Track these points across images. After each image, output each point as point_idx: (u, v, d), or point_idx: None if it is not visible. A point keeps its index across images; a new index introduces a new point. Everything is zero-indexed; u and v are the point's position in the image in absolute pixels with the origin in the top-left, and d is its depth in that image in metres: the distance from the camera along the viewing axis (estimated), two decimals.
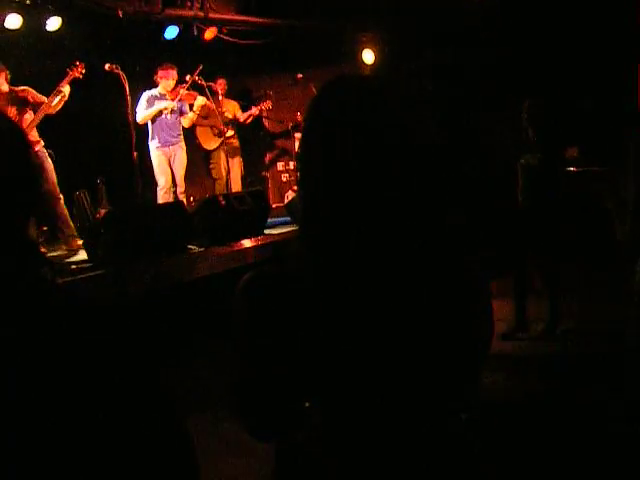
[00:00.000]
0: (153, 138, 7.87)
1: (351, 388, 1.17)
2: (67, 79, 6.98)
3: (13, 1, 7.28)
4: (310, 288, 1.19)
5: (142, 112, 7.79)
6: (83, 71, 7.00)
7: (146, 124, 7.85)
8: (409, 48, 9.62)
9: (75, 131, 8.05)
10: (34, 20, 7.63)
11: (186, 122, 8.13)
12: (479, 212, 7.01)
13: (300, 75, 9.23)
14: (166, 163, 7.89)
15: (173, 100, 7.89)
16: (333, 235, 1.20)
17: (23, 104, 6.88)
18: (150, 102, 7.82)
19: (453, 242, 1.24)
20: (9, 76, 6.90)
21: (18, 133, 1.16)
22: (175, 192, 7.90)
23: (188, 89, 8.04)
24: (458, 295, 1.22)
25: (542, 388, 4.79)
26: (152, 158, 7.88)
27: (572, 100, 8.28)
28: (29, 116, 6.87)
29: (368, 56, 10.29)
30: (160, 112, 7.81)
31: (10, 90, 6.89)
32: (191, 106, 8.15)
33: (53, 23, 7.78)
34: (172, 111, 7.88)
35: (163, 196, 7.79)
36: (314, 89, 9.26)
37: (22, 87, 6.94)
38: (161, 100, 7.86)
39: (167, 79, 7.85)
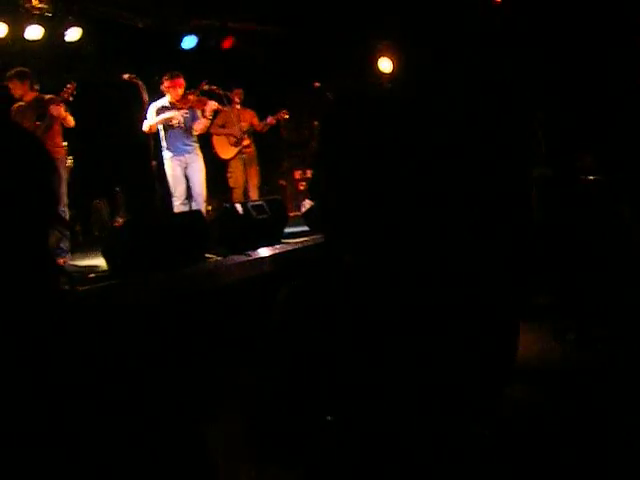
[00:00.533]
0: (166, 148, 7.76)
1: (376, 404, 1.17)
2: (58, 100, 6.91)
3: (34, 12, 7.37)
4: (345, 303, 1.18)
5: (148, 120, 7.68)
6: (74, 92, 6.92)
7: (159, 134, 7.78)
8: (426, 58, 9.60)
9: (94, 140, 8.12)
10: (54, 31, 7.73)
11: (199, 128, 8.03)
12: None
13: (317, 83, 9.23)
14: (181, 173, 7.77)
15: (184, 109, 7.82)
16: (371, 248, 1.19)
17: (45, 114, 6.92)
18: (159, 113, 7.72)
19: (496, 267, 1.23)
20: (36, 85, 6.97)
21: (39, 147, 1.16)
22: (195, 201, 7.81)
23: (198, 96, 7.95)
24: (491, 327, 1.21)
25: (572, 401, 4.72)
26: (166, 168, 7.76)
27: (584, 107, 8.23)
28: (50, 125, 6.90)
29: (385, 65, 10.30)
30: (170, 121, 7.73)
31: (36, 97, 6.96)
32: (202, 112, 8.09)
33: (73, 34, 7.87)
34: (184, 119, 7.79)
35: (178, 206, 7.72)
36: (331, 97, 9.28)
37: (49, 96, 6.99)
38: (170, 110, 7.77)
39: (174, 88, 7.73)
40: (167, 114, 7.71)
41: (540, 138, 5.72)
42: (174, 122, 7.71)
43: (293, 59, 9.41)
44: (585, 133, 7.51)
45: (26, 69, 7.01)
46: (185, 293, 5.60)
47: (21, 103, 6.94)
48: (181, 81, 7.76)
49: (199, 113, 7.92)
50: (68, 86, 6.86)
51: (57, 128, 6.93)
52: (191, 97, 7.83)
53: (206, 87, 7.89)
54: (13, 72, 6.95)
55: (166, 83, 7.74)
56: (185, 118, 7.77)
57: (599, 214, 7.45)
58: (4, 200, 1.07)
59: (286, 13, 8.65)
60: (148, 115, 7.66)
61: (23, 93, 6.94)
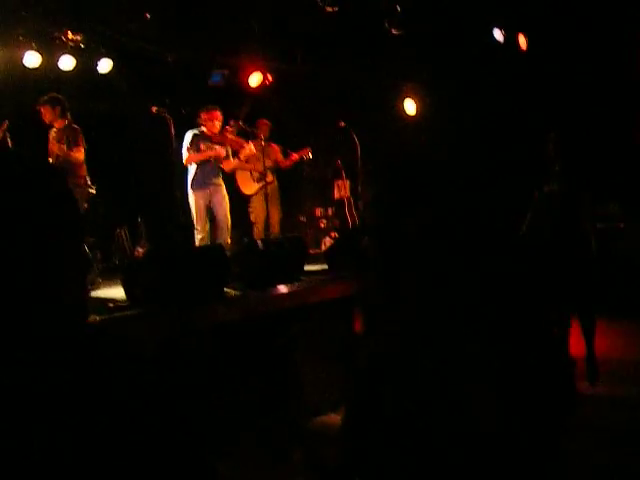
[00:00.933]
0: (192, 180, 7.83)
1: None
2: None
3: (68, 44, 7.52)
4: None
5: (187, 152, 7.76)
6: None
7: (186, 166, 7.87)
8: (449, 99, 9.68)
9: (119, 169, 8.19)
10: (86, 62, 7.88)
11: (227, 167, 8.12)
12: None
13: (343, 123, 9.30)
14: (204, 206, 7.82)
15: (220, 144, 7.88)
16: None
17: (72, 142, 7.03)
18: (195, 142, 7.80)
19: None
20: (68, 111, 7.08)
21: (58, 178, 1.17)
22: (220, 231, 7.82)
23: (237, 135, 8.07)
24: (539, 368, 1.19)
25: None
26: (189, 201, 7.84)
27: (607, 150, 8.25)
28: (78, 153, 7.00)
29: (410, 106, 10.37)
30: (212, 158, 7.79)
31: (66, 125, 7.07)
32: (234, 151, 8.18)
33: (104, 65, 8.02)
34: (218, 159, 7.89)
35: (200, 239, 7.76)
36: (355, 137, 9.35)
37: (76, 126, 7.12)
38: (206, 141, 7.85)
39: (212, 120, 7.83)
40: (211, 152, 7.80)
41: (552, 157, 5.76)
42: (219, 159, 7.82)
43: (319, 97, 9.50)
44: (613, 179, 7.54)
45: (59, 96, 7.15)
46: (202, 327, 5.59)
47: (53, 129, 7.07)
48: (218, 114, 7.87)
49: (230, 151, 8.03)
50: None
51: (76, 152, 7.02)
52: (230, 136, 7.92)
53: (232, 122, 7.99)
54: (46, 97, 7.09)
55: (203, 116, 7.85)
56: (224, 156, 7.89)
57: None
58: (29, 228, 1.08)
59: (313, 52, 8.76)
60: (184, 146, 7.76)
61: (53, 119, 7.06)
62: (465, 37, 8.29)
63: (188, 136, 7.79)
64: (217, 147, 7.85)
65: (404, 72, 9.60)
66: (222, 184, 8.05)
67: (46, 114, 7.07)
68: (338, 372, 5.55)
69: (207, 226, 7.84)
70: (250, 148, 8.20)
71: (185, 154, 7.75)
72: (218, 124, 7.89)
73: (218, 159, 7.86)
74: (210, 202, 7.87)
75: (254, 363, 5.51)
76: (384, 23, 7.73)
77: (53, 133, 7.10)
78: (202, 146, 7.82)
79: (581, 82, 8.58)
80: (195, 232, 7.81)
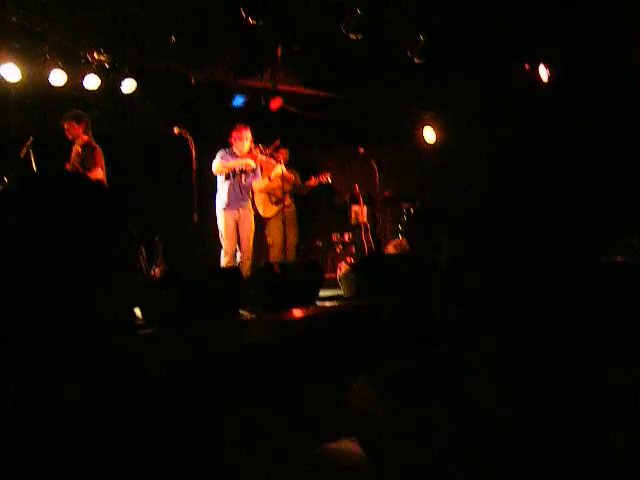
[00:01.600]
0: (221, 200, 7.85)
1: None
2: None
3: (94, 64, 7.63)
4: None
5: (218, 162, 7.80)
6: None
7: (216, 186, 7.89)
8: (469, 128, 9.71)
9: (139, 189, 8.24)
10: (110, 81, 7.98)
11: (257, 187, 8.16)
12: None
13: (362, 149, 9.34)
14: (233, 227, 7.83)
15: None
16: None
17: (90, 160, 7.12)
18: (225, 157, 7.85)
19: None
20: (90, 129, 7.17)
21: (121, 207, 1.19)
22: (242, 256, 7.84)
23: (269, 155, 8.11)
24: None
25: None
26: (218, 221, 7.84)
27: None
28: (96, 173, 7.08)
29: (429, 134, 10.40)
30: (235, 170, 7.81)
31: (88, 142, 7.15)
32: (262, 170, 8.22)
33: (128, 86, 8.11)
34: (245, 173, 7.90)
35: (228, 261, 7.76)
36: (374, 163, 9.38)
37: (96, 145, 7.21)
38: (243, 159, 7.90)
39: (241, 140, 7.87)
40: (242, 160, 7.84)
41: None
42: (247, 169, 7.84)
43: (339, 123, 9.55)
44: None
45: (83, 113, 7.24)
46: (216, 348, 5.59)
47: (75, 146, 7.16)
48: (249, 133, 7.92)
49: (259, 171, 8.08)
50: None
51: (95, 174, 7.10)
52: (260, 156, 7.96)
53: (252, 145, 8.04)
54: (71, 113, 7.19)
55: (234, 134, 7.90)
56: (252, 172, 7.90)
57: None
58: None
59: (335, 78, 8.81)
60: (216, 159, 7.82)
61: (76, 135, 7.15)
62: (487, 68, 8.32)
63: (219, 153, 7.88)
64: (247, 160, 7.89)
65: (424, 100, 9.65)
66: (251, 208, 8.10)
67: (70, 130, 7.17)
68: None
69: (235, 247, 7.85)
70: (281, 168, 8.24)
71: (215, 166, 7.80)
72: (247, 144, 7.92)
73: (247, 170, 7.88)
74: (239, 223, 7.90)
75: (267, 386, 5.48)
76: (406, 51, 7.77)
77: (75, 149, 7.19)
78: (232, 164, 7.87)
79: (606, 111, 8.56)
80: (222, 253, 7.83)
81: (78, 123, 7.17)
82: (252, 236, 8.02)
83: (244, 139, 7.88)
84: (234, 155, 7.92)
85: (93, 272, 1.09)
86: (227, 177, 7.86)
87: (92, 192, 1.17)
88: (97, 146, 7.19)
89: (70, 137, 7.19)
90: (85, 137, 7.19)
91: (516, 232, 1.19)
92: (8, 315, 1.04)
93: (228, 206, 7.85)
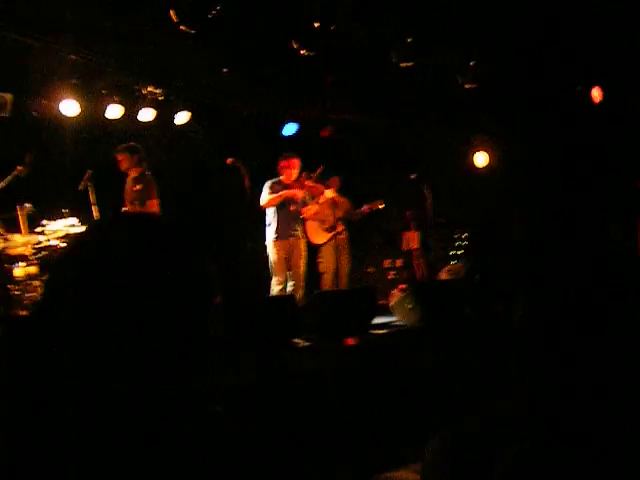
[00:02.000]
0: (274, 231, 7.85)
1: None
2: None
3: (147, 97, 7.81)
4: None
5: (267, 196, 7.81)
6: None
7: (265, 216, 7.96)
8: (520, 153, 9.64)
9: (192, 218, 8.32)
10: (165, 114, 8.15)
11: (308, 213, 8.18)
12: None
13: (414, 175, 9.32)
14: (284, 257, 7.83)
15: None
16: None
17: (149, 193, 7.25)
18: (273, 188, 7.86)
19: None
20: (144, 161, 7.34)
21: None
22: (295, 285, 7.84)
23: (315, 181, 8.14)
24: None
25: None
26: (269, 251, 7.85)
27: None
28: (152, 206, 7.21)
29: (480, 159, 10.34)
30: (286, 200, 7.84)
31: (142, 173, 7.32)
32: (312, 197, 8.25)
33: (181, 117, 8.27)
34: (295, 202, 7.94)
35: (279, 290, 7.75)
36: (426, 189, 9.35)
37: (148, 175, 7.34)
38: (283, 188, 7.89)
39: (290, 168, 7.88)
40: (289, 191, 7.86)
41: None
42: (295, 199, 7.88)
43: (391, 150, 9.57)
44: None
45: (137, 145, 7.39)
46: (268, 375, 5.60)
47: (129, 178, 7.30)
48: (296, 162, 7.93)
49: (308, 198, 8.10)
50: None
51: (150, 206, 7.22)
52: (308, 182, 7.99)
53: (315, 175, 8.07)
54: (125, 145, 7.34)
55: (281, 164, 7.93)
56: (300, 200, 7.95)
57: None
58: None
59: (386, 105, 8.84)
60: (263, 192, 7.85)
61: (130, 167, 7.29)
62: (539, 90, 8.26)
63: (267, 184, 7.90)
64: (295, 190, 7.91)
65: (475, 125, 9.61)
66: (302, 238, 8.10)
67: (123, 162, 7.31)
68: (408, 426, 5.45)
69: (285, 277, 7.85)
70: (331, 192, 8.26)
71: (264, 198, 7.82)
72: (295, 172, 7.93)
73: (295, 199, 7.91)
74: (290, 252, 7.91)
75: (317, 414, 5.46)
76: (457, 77, 7.76)
77: (129, 183, 7.33)
78: (280, 192, 7.90)
79: None
80: (272, 282, 7.83)
81: (131, 155, 7.31)
82: (304, 264, 8.02)
83: (292, 168, 7.91)
84: (281, 184, 7.93)
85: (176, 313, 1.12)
86: (277, 208, 7.88)
87: (173, 235, 1.19)
88: (151, 177, 7.31)
89: (123, 169, 7.33)
90: (139, 169, 7.31)
91: None
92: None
93: (279, 237, 7.85)
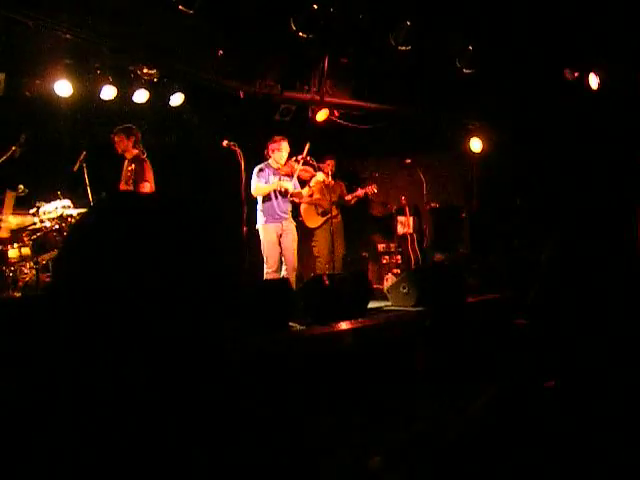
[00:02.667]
0: (264, 214, 7.84)
1: None
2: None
3: (142, 78, 7.74)
4: None
5: (256, 184, 7.79)
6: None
7: (256, 199, 7.94)
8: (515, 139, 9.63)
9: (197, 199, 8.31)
10: (159, 96, 8.10)
11: (299, 199, 8.17)
12: None
13: (409, 160, 9.32)
14: (276, 240, 7.81)
15: (288, 175, 7.90)
16: None
17: (138, 172, 7.19)
18: (263, 175, 7.85)
19: None
20: (140, 143, 7.30)
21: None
22: (286, 270, 7.81)
23: (304, 164, 8.09)
24: None
25: None
26: (261, 235, 7.83)
27: None
28: (144, 188, 7.16)
29: (475, 144, 10.33)
30: (280, 189, 7.83)
31: (137, 155, 7.28)
32: (302, 182, 8.22)
33: (176, 99, 8.23)
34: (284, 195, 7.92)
35: (270, 274, 7.72)
36: (421, 174, 9.34)
37: (144, 157, 7.29)
38: (273, 173, 7.88)
39: (279, 151, 7.84)
40: (278, 182, 7.83)
41: None
42: (285, 193, 7.87)
43: (386, 134, 9.53)
44: None
45: (134, 126, 7.33)
46: (264, 358, 5.61)
47: (125, 160, 7.26)
48: (285, 144, 7.89)
49: (297, 181, 8.07)
50: None
51: (142, 187, 7.16)
52: (297, 166, 7.95)
53: (302, 158, 8.02)
54: (121, 127, 7.29)
55: (270, 146, 7.90)
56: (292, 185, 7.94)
57: None
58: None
59: (382, 89, 8.80)
60: (253, 179, 7.83)
61: (126, 149, 7.24)
62: (536, 76, 8.24)
63: (255, 170, 7.86)
64: (285, 181, 7.89)
65: (472, 110, 9.58)
66: (293, 222, 8.07)
67: (120, 143, 7.26)
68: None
69: (278, 261, 7.84)
70: (322, 175, 8.23)
71: (253, 186, 7.81)
72: (285, 155, 7.90)
73: (286, 193, 7.90)
74: (281, 236, 7.89)
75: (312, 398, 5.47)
76: (455, 62, 7.73)
77: (126, 164, 7.28)
78: (270, 178, 7.87)
79: None
80: (265, 267, 7.82)
81: (128, 137, 7.26)
82: (296, 247, 8.01)
83: (281, 150, 7.87)
84: (271, 168, 7.90)
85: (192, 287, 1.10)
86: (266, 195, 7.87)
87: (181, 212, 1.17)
88: (146, 160, 7.26)
89: (120, 150, 7.28)
90: (135, 151, 7.27)
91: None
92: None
93: (269, 220, 7.85)
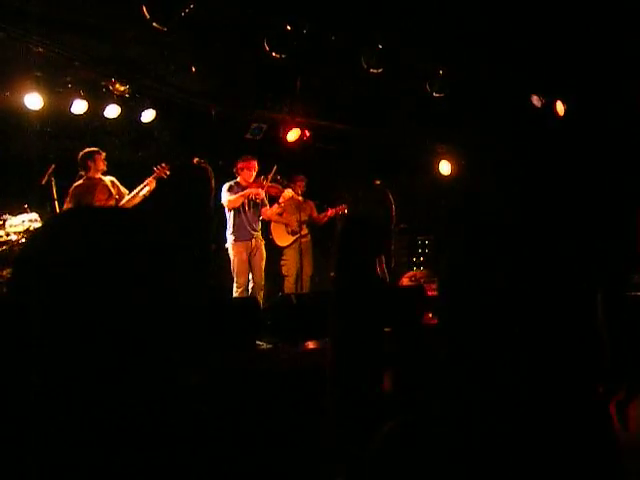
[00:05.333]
0: (233, 232, 7.85)
1: None
2: (152, 178, 7.21)
3: (114, 93, 7.72)
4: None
5: (227, 197, 7.80)
6: (168, 172, 7.21)
7: (225, 218, 7.92)
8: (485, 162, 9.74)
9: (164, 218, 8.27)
10: (130, 111, 8.07)
11: (266, 214, 8.18)
12: None
13: (378, 181, 9.38)
14: (245, 258, 7.83)
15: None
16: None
17: (110, 193, 7.16)
18: (232, 191, 7.86)
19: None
20: (105, 163, 7.22)
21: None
22: (253, 288, 7.84)
23: (272, 182, 8.12)
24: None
25: None
26: (230, 254, 7.84)
27: None
28: (119, 204, 7.14)
29: (444, 167, 10.44)
30: (245, 201, 7.85)
31: (101, 177, 7.21)
32: (271, 199, 8.24)
33: (147, 115, 8.20)
34: (253, 203, 7.96)
35: (240, 292, 7.75)
36: (390, 196, 9.40)
37: (110, 178, 7.26)
38: (242, 189, 7.89)
39: (248, 170, 7.90)
40: (250, 189, 7.85)
41: None
42: (257, 197, 7.89)
43: (356, 155, 9.61)
44: None
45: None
46: (231, 377, 5.58)
47: (88, 180, 7.17)
48: (254, 164, 7.94)
49: (266, 199, 8.10)
50: (163, 165, 7.21)
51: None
52: (265, 183, 7.99)
53: (270, 176, 8.06)
54: (95, 149, 7.23)
55: (239, 165, 7.93)
56: (260, 200, 7.94)
57: None
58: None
59: (353, 111, 8.88)
60: (223, 194, 7.84)
61: (100, 170, 7.21)
62: (503, 102, 8.38)
63: (225, 186, 7.88)
64: (257, 189, 7.91)
65: (441, 134, 9.70)
66: (262, 240, 8.11)
67: (99, 164, 7.16)
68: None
69: (247, 279, 7.83)
70: (290, 192, 8.25)
71: (225, 199, 7.81)
72: (254, 174, 7.95)
73: (257, 198, 7.91)
74: (251, 254, 7.90)
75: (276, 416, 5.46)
76: (425, 86, 7.83)
77: (84, 184, 7.17)
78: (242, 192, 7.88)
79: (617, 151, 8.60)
80: (235, 285, 7.81)
81: (104, 159, 7.22)
82: (264, 266, 8.02)
83: (251, 169, 7.92)
84: (240, 186, 7.93)
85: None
86: (237, 209, 7.88)
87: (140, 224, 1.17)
88: (112, 179, 7.31)
89: (95, 170, 7.22)
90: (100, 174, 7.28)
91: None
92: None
93: (239, 238, 7.87)
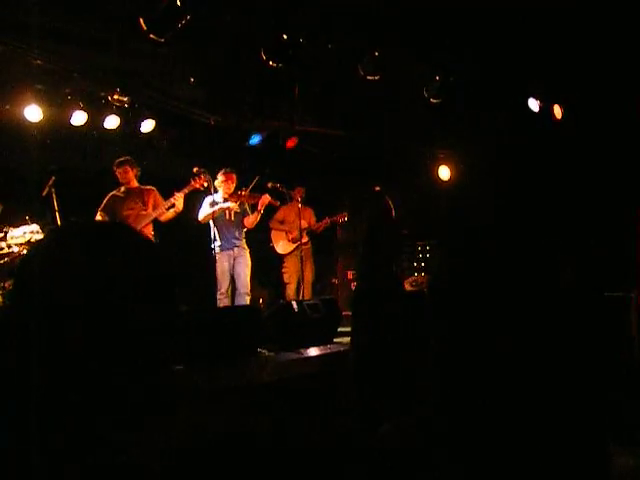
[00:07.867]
0: (215, 241, 7.94)
1: None
2: (187, 188, 7.34)
3: (113, 104, 7.75)
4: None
5: (203, 213, 7.95)
6: (205, 184, 7.34)
7: (209, 227, 7.95)
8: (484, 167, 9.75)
9: (156, 227, 8.24)
10: (130, 122, 8.10)
11: (249, 222, 8.22)
12: None
13: (378, 188, 9.40)
14: (228, 267, 7.96)
15: (235, 203, 8.04)
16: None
17: (145, 202, 7.29)
18: (212, 204, 7.94)
19: None
20: (139, 174, 7.45)
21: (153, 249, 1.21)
22: (239, 295, 7.91)
23: (250, 193, 8.17)
24: None
25: None
26: (216, 262, 7.95)
27: None
28: (146, 213, 7.28)
29: (444, 172, 10.47)
30: (222, 212, 7.96)
31: (138, 187, 7.40)
32: (253, 207, 8.26)
33: (147, 125, 8.22)
34: (235, 213, 8.03)
35: (222, 300, 7.85)
36: (389, 202, 9.42)
37: (149, 187, 7.45)
38: (221, 201, 8.01)
39: (227, 183, 8.01)
40: (223, 204, 7.96)
41: None
42: (229, 211, 7.96)
43: (355, 162, 9.63)
44: None
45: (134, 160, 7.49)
46: (234, 386, 5.58)
47: (121, 190, 7.34)
48: (234, 177, 8.06)
49: (248, 209, 8.15)
50: (201, 176, 7.39)
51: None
52: (243, 192, 8.05)
53: (250, 187, 8.11)
54: (123, 159, 7.44)
55: (220, 178, 8.02)
56: (240, 210, 7.99)
57: None
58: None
59: (352, 117, 8.90)
60: (202, 207, 7.93)
61: (128, 180, 7.41)
62: (502, 106, 8.39)
63: (206, 201, 7.97)
64: (229, 203, 7.98)
65: (440, 139, 9.72)
66: (246, 246, 8.18)
67: (124, 175, 7.36)
68: None
69: (230, 289, 7.93)
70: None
71: (201, 214, 7.95)
72: (232, 186, 8.06)
73: (229, 210, 7.98)
74: (234, 262, 8.00)
75: (284, 425, 5.45)
76: (423, 91, 7.85)
77: (120, 194, 7.31)
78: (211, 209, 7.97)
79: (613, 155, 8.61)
80: (218, 294, 7.90)
81: (132, 169, 7.36)
82: (249, 272, 8.08)
83: (230, 182, 8.03)
84: (221, 200, 8.04)
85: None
86: (218, 221, 7.99)
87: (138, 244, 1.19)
88: (150, 188, 7.53)
89: (123, 180, 7.43)
90: (136, 183, 7.48)
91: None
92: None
93: (223, 247, 8.01)
